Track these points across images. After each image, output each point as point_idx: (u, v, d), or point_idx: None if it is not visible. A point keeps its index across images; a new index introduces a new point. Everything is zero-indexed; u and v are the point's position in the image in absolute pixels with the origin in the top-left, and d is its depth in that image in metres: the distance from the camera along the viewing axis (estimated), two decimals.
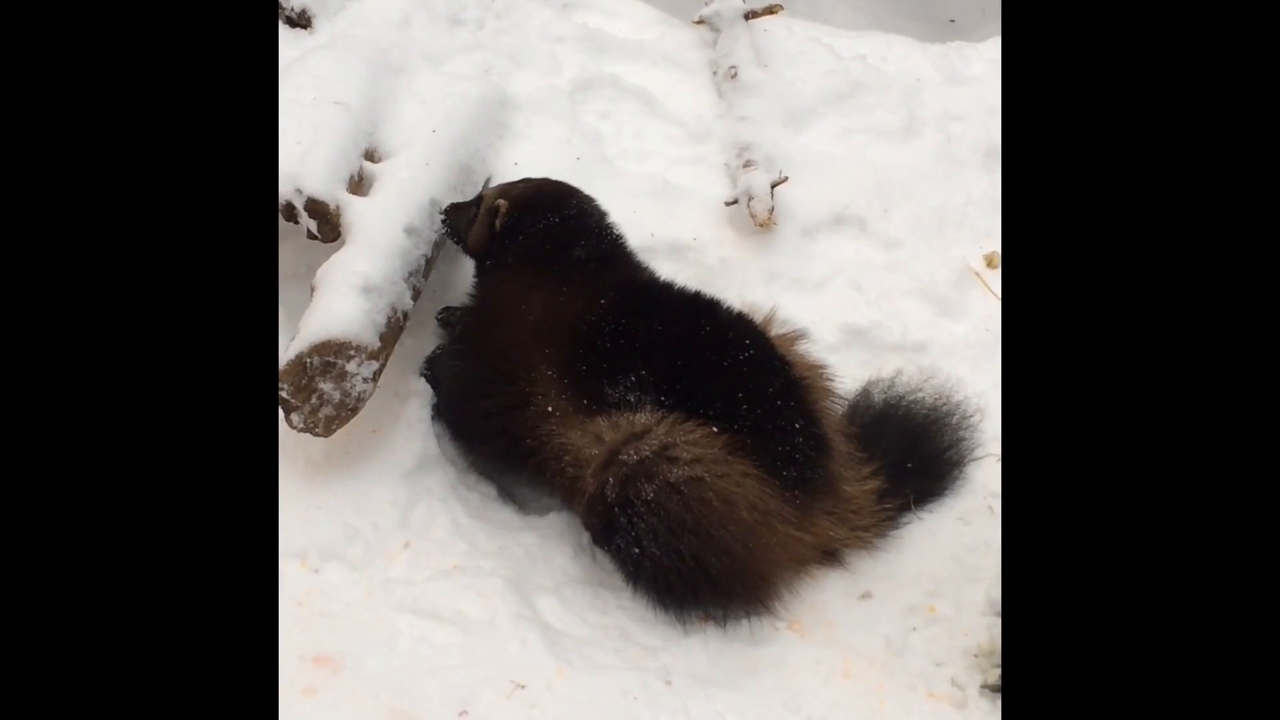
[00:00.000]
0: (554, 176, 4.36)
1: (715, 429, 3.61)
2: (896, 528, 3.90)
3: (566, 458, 3.74)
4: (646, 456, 3.55)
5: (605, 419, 3.68)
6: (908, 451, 3.99)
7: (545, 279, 3.97)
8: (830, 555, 3.79)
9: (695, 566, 3.57)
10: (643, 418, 3.64)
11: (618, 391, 3.69)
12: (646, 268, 4.18)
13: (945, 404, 4.08)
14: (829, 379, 4.04)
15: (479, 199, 4.24)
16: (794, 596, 3.75)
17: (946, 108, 5.22)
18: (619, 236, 4.21)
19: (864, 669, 3.52)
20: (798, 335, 4.06)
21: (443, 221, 4.27)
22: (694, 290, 4.05)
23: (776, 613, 3.67)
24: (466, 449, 4.10)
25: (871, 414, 4.09)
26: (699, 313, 3.90)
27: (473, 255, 4.25)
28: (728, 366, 3.72)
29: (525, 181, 4.29)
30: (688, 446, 3.56)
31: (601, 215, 4.22)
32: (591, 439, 3.68)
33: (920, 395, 4.15)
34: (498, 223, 4.09)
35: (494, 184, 4.51)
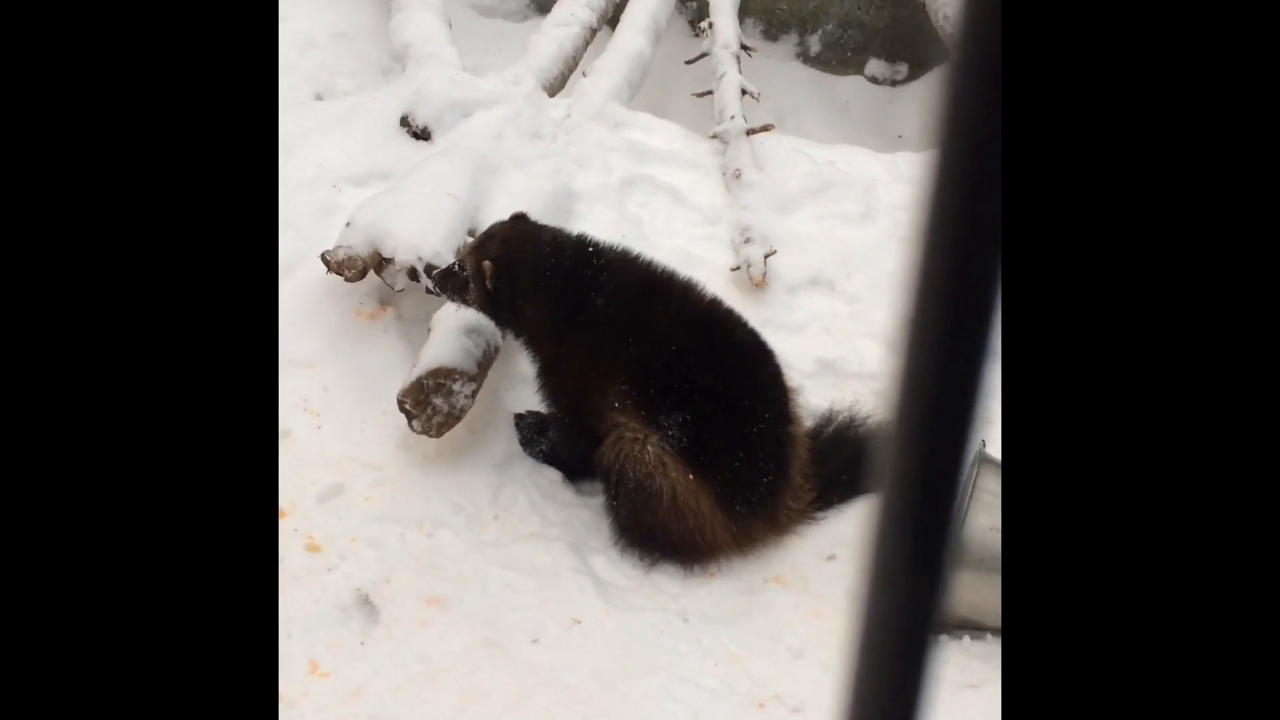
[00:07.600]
0: (531, 215, 4.17)
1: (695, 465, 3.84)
2: (811, 522, 4.12)
3: (611, 437, 3.92)
4: (633, 454, 3.86)
5: (642, 426, 3.87)
6: (849, 467, 4.13)
7: (590, 335, 3.95)
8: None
9: (641, 528, 3.92)
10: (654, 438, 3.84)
11: (668, 423, 3.85)
12: (685, 285, 4.06)
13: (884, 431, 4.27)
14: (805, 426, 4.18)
15: (459, 263, 4.02)
16: (778, 559, 3.96)
17: (894, 200, 5.35)
18: (626, 259, 4.05)
19: (830, 613, 3.76)
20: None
21: (434, 290, 4.08)
22: (750, 337, 4.06)
23: (705, 566, 3.95)
24: (575, 458, 4.18)
25: (830, 436, 4.25)
26: (750, 368, 3.99)
27: (485, 313, 4.08)
28: (746, 434, 3.89)
29: (495, 234, 4.05)
30: (667, 467, 3.85)
31: (584, 247, 4.02)
32: (633, 429, 3.89)
33: (868, 422, 4.27)
34: (489, 283, 3.91)
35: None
